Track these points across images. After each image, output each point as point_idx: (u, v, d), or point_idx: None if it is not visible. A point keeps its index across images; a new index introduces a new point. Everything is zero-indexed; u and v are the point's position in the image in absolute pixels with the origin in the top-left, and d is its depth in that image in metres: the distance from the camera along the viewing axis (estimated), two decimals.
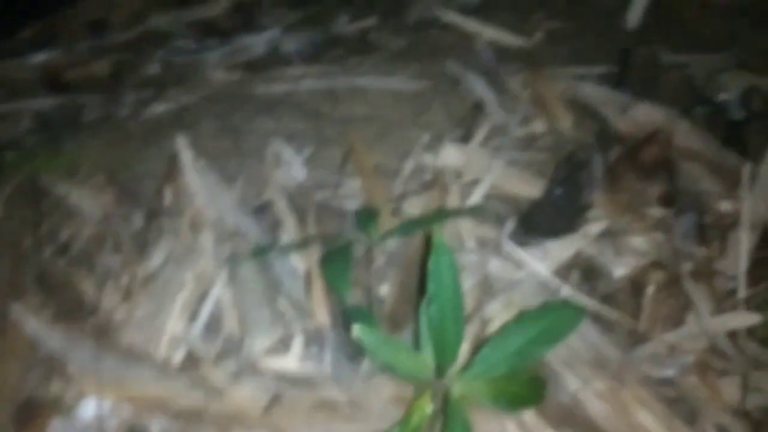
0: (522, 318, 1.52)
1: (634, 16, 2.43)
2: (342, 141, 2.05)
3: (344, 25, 2.72)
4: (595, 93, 2.11)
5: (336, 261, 1.67)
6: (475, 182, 1.95)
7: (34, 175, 2.00)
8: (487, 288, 1.75)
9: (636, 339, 1.68)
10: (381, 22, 2.66)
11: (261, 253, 1.75)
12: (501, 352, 1.46)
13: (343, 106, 2.15)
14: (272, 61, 2.45)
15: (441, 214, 1.75)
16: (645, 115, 2.00)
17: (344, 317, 1.64)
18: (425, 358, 1.47)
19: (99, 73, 2.64)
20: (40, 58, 2.72)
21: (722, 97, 2.17)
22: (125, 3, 3.00)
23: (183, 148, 1.96)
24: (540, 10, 2.54)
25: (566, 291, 1.74)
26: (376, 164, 1.99)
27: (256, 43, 2.62)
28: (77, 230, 1.88)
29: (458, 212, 1.77)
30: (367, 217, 1.77)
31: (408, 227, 1.71)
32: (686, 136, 1.96)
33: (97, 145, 2.08)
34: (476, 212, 1.79)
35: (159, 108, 2.21)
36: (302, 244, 1.76)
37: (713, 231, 1.83)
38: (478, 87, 2.17)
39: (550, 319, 1.49)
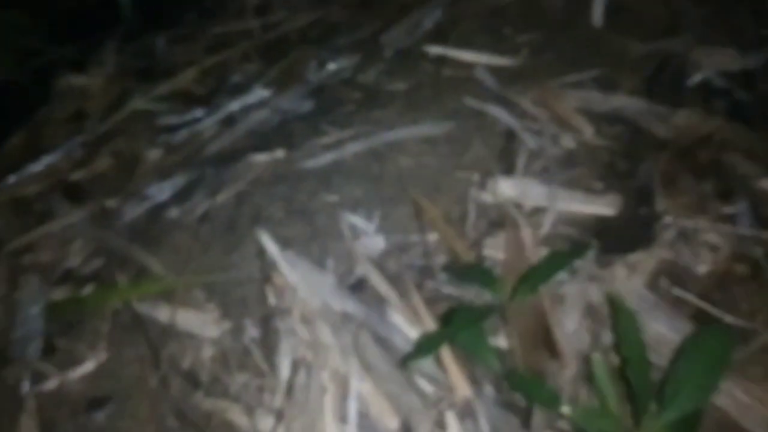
0: (682, 352, 1.36)
1: (598, 15, 2.24)
2: (402, 198, 1.80)
3: (318, 71, 2.44)
4: (620, 103, 1.93)
5: (468, 328, 1.45)
6: (537, 211, 1.74)
7: (126, 306, 1.69)
8: (595, 316, 1.57)
9: (745, 333, 1.51)
10: (358, 62, 2.39)
11: (411, 358, 1.47)
12: (684, 392, 1.29)
13: (389, 163, 1.86)
14: (285, 128, 2.15)
15: (557, 262, 1.53)
16: (685, 120, 1.83)
17: (507, 383, 1.44)
18: (616, 413, 1.29)
19: (104, 168, 2.26)
20: (39, 166, 2.28)
21: (702, 75, 2.04)
22: (97, 92, 2.62)
23: (268, 244, 1.68)
24: (507, 26, 2.31)
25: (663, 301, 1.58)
26: (443, 214, 1.77)
27: (250, 107, 2.32)
28: (197, 355, 1.56)
29: (570, 255, 1.56)
30: (486, 277, 1.55)
31: (535, 283, 1.50)
32: (719, 131, 1.81)
33: (178, 260, 1.76)
34: (581, 252, 1.58)
35: (213, 201, 1.89)
36: (438, 338, 1.48)
37: None
38: (502, 116, 1.94)
39: (707, 346, 1.34)
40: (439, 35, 2.34)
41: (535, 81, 2.04)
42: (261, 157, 1.97)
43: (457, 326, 1.40)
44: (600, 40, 2.18)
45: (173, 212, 1.90)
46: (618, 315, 1.32)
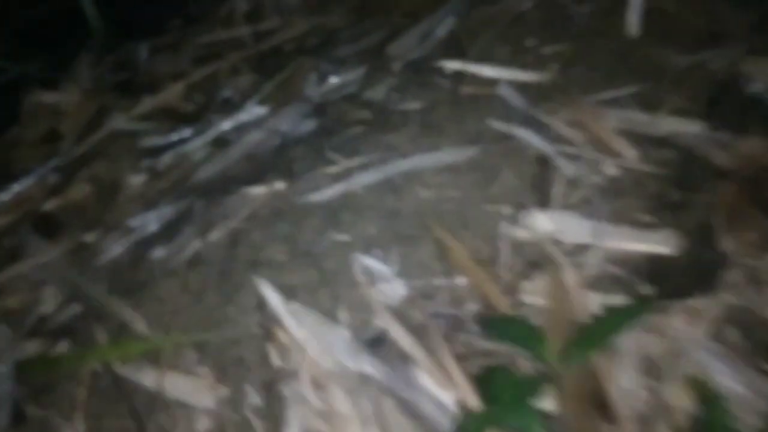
0: None
1: (634, 23, 2.04)
2: (423, 236, 1.59)
3: (318, 86, 2.22)
4: (669, 124, 1.73)
5: (515, 400, 1.24)
6: (579, 248, 1.54)
7: (106, 368, 1.47)
8: (652, 370, 1.36)
9: None
10: (364, 76, 2.17)
11: None
12: None
13: (406, 196, 1.66)
14: (284, 153, 1.93)
15: (614, 320, 1.32)
16: (750, 147, 1.62)
17: None
18: None
19: (80, 197, 2.04)
20: (7, 195, 2.07)
21: (756, 89, 1.83)
22: (71, 110, 2.40)
23: (269, 293, 1.47)
24: (529, 36, 2.11)
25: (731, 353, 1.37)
26: (471, 253, 1.56)
27: (243, 127, 2.10)
28: (189, 427, 1.35)
29: (629, 312, 1.34)
30: (530, 336, 1.33)
31: (589, 347, 1.28)
32: None
33: (164, 313, 1.54)
34: (642, 308, 1.36)
35: (204, 241, 1.67)
36: (483, 420, 1.27)
37: None
38: (533, 140, 1.74)
39: None
40: (454, 46, 2.14)
41: (567, 99, 1.85)
42: (258, 189, 1.76)
43: (504, 405, 1.19)
44: (636, 51, 1.98)
45: (159, 252, 1.69)
46: (705, 402, 1.11)
